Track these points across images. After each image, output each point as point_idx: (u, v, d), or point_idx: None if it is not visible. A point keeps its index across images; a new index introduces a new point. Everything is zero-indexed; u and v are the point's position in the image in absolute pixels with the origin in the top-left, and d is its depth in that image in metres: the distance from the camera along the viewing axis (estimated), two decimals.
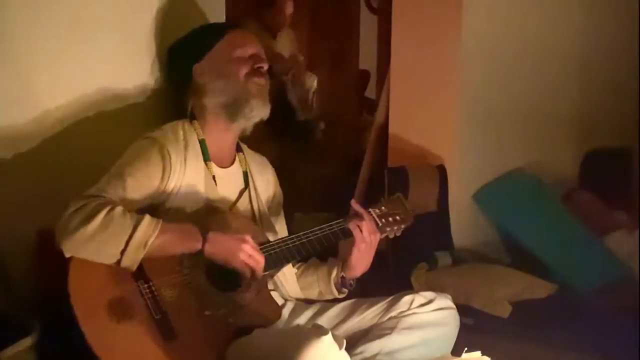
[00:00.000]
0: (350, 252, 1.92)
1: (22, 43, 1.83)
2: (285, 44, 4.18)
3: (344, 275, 1.97)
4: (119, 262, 1.66)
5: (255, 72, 1.93)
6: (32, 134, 1.88)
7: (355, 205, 1.93)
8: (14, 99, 1.84)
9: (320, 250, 1.89)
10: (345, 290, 2.00)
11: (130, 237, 1.64)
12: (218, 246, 1.72)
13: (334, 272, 1.98)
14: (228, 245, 1.73)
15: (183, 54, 2.00)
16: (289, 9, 4.10)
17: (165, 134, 1.86)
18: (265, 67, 1.95)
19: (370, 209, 1.95)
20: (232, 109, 1.90)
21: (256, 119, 1.95)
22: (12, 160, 1.85)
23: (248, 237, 1.75)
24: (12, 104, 1.83)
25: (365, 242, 1.90)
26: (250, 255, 1.73)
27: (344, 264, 1.96)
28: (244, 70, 1.92)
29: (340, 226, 1.90)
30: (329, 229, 1.89)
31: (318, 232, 1.88)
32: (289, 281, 2.00)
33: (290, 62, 4.03)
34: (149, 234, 1.66)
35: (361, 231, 1.88)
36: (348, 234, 1.90)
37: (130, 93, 2.08)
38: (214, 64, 1.93)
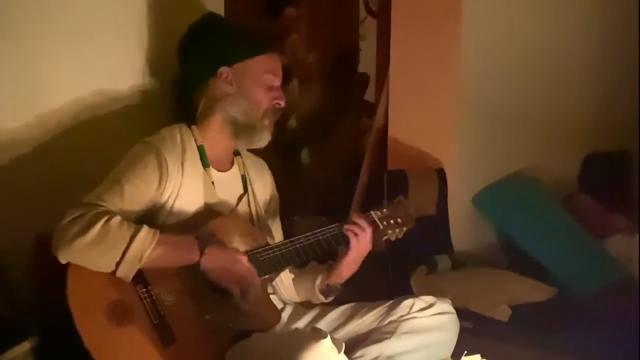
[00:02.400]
0: (340, 258, 1.92)
1: (20, 47, 1.83)
2: (292, 51, 4.21)
3: (329, 282, 1.97)
4: (114, 272, 1.65)
5: (273, 107, 1.92)
6: (30, 137, 1.88)
7: (357, 217, 1.92)
8: (12, 103, 1.84)
9: (320, 254, 1.89)
10: (332, 295, 2.00)
11: (126, 249, 1.64)
12: (213, 263, 1.72)
13: (318, 280, 1.98)
14: (223, 263, 1.73)
15: (215, 48, 1.93)
16: (291, 13, 4.13)
17: (162, 139, 1.85)
18: (282, 104, 1.94)
19: (371, 212, 1.95)
20: (242, 130, 1.90)
21: (255, 147, 1.97)
22: (10, 164, 1.85)
23: (243, 258, 1.75)
24: (10, 108, 1.83)
25: (359, 253, 1.90)
26: (241, 277, 1.74)
27: (330, 270, 1.96)
28: (267, 101, 1.90)
29: (341, 229, 1.89)
30: (329, 232, 1.89)
31: (318, 235, 1.88)
32: (285, 286, 2.00)
33: None
34: (145, 247, 1.66)
35: (357, 240, 1.88)
36: (346, 239, 1.89)
37: (128, 96, 2.08)
38: (242, 77, 1.90)
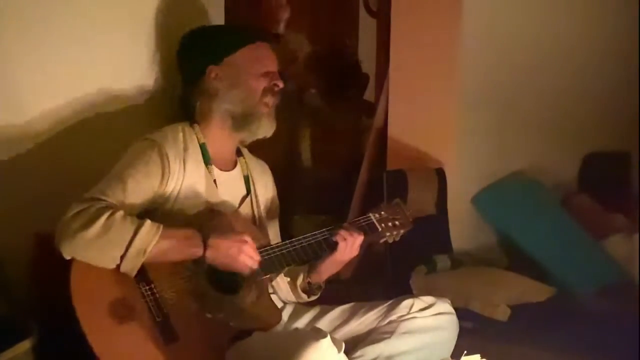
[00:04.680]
0: (323, 258, 1.91)
1: (19, 45, 1.83)
2: (290, 47, 4.18)
3: (310, 280, 1.97)
4: (119, 266, 1.65)
5: (271, 90, 1.93)
6: (29, 136, 1.88)
7: (349, 225, 1.91)
8: (11, 101, 1.83)
9: (320, 255, 1.89)
10: (315, 294, 2.00)
11: (130, 242, 1.64)
12: (219, 252, 1.72)
13: (300, 279, 1.98)
14: (229, 250, 1.73)
15: (200, 50, 1.97)
16: (284, 14, 4.09)
17: (164, 136, 1.86)
18: (281, 86, 1.94)
19: (369, 214, 1.95)
20: (240, 122, 1.91)
21: (260, 136, 1.96)
22: (9, 163, 1.85)
23: (247, 237, 1.75)
24: (9, 106, 1.83)
25: (343, 257, 1.89)
26: (250, 256, 1.74)
27: (311, 269, 1.96)
28: (262, 86, 1.91)
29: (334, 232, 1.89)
30: (330, 233, 1.89)
31: (319, 235, 1.88)
32: (281, 287, 2.00)
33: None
34: (149, 240, 1.66)
35: (345, 245, 1.87)
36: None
37: (128, 94, 2.08)
38: (231, 71, 1.92)
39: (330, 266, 1.93)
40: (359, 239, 1.88)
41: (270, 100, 1.93)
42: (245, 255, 1.72)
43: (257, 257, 1.76)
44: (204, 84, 1.93)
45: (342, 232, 1.87)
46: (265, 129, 1.94)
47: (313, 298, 2.01)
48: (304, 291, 1.98)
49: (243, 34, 2.01)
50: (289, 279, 2.00)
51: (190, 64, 1.98)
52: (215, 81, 1.91)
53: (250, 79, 1.91)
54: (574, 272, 2.90)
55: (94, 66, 1.98)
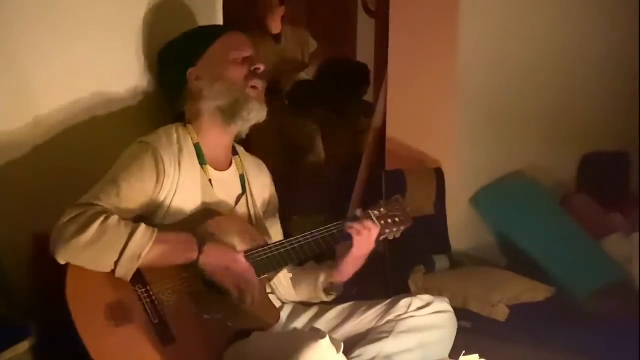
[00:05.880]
0: (343, 256, 1.92)
1: (15, 48, 1.83)
2: (291, 44, 4.18)
3: (332, 280, 1.98)
4: (113, 270, 1.66)
5: (253, 74, 1.92)
6: (26, 138, 1.87)
7: (363, 217, 1.92)
8: (8, 105, 1.83)
9: (317, 253, 1.89)
10: (335, 294, 2.00)
11: (124, 247, 1.64)
12: (212, 260, 1.73)
13: (321, 278, 1.98)
14: (221, 262, 1.73)
15: (175, 59, 1.99)
16: (277, 13, 4.09)
17: (158, 138, 1.85)
18: (262, 68, 1.94)
19: (369, 210, 1.95)
20: (230, 112, 1.90)
21: (253, 122, 1.94)
22: (7, 164, 1.84)
23: (240, 257, 1.75)
24: (6, 110, 1.83)
25: (361, 251, 1.90)
26: (240, 276, 1.74)
27: (332, 268, 1.96)
28: (242, 73, 1.91)
29: (338, 228, 1.90)
30: (327, 232, 1.89)
31: (316, 234, 1.88)
32: (283, 285, 1.99)
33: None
34: (143, 245, 1.66)
35: (361, 239, 1.88)
36: (346, 237, 1.89)
37: (124, 97, 2.07)
38: (209, 67, 1.92)
39: (350, 263, 1.93)
40: (374, 230, 1.89)
41: (257, 82, 1.92)
42: (234, 274, 1.73)
43: (250, 278, 1.75)
44: (187, 89, 1.93)
45: (356, 226, 1.87)
46: (256, 112, 1.92)
47: (331, 298, 2.01)
48: (323, 291, 1.99)
49: (212, 29, 2.05)
50: (290, 276, 2.00)
51: (172, 74, 1.98)
52: (197, 82, 1.92)
53: (229, 69, 1.91)
54: (573, 271, 2.90)
55: (91, 69, 1.98)
